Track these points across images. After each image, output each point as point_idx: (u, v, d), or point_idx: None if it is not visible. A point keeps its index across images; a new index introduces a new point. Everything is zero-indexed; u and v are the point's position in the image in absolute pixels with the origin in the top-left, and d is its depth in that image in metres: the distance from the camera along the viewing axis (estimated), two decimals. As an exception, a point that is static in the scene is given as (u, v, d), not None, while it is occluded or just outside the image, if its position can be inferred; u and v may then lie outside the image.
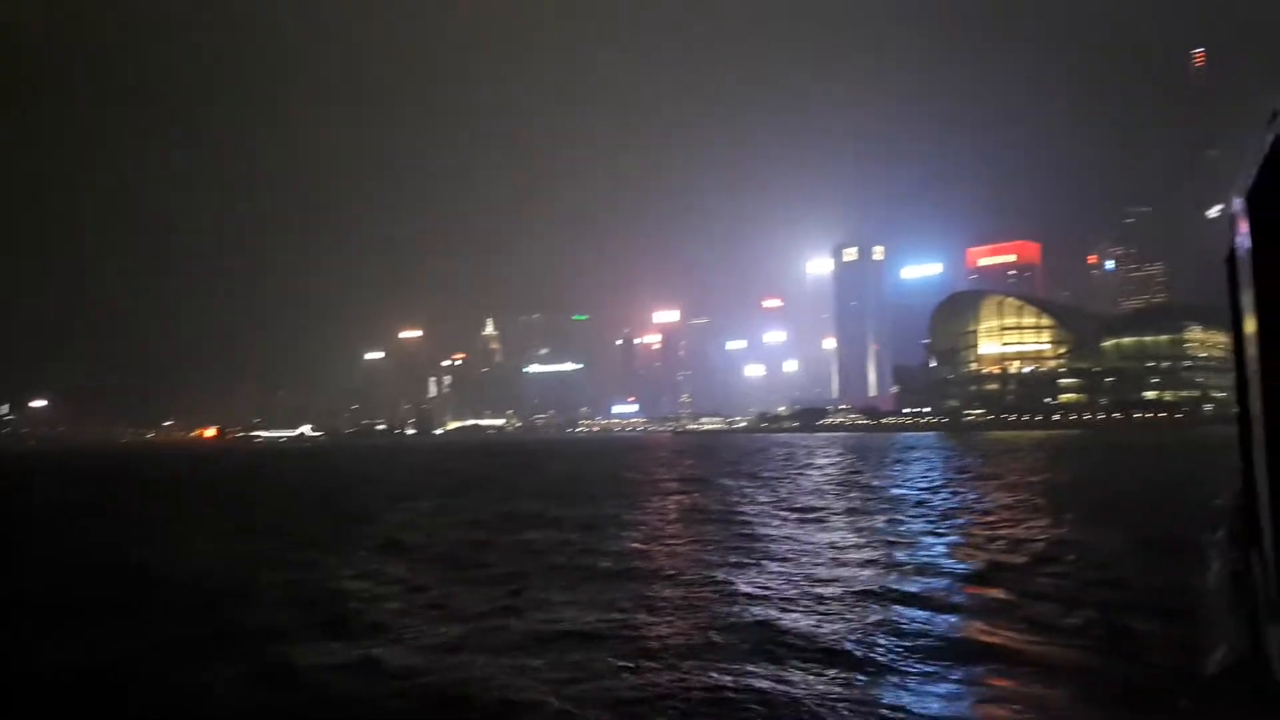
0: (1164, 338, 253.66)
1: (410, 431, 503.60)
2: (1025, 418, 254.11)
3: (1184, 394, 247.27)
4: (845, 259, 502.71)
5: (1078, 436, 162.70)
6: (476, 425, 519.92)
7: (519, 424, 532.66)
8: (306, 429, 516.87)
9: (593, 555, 24.33)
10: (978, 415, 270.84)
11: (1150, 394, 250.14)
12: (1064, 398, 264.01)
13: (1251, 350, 3.66)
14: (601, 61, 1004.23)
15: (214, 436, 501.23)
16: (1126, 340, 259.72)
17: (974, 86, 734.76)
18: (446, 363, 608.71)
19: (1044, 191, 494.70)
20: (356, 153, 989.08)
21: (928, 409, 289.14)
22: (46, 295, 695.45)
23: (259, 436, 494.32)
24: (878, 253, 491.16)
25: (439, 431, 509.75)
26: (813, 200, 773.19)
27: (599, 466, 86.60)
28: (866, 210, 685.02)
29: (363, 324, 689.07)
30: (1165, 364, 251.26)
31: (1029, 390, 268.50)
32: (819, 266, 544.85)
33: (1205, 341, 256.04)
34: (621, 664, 13.33)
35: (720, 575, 20.50)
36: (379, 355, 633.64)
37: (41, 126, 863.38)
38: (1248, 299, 3.73)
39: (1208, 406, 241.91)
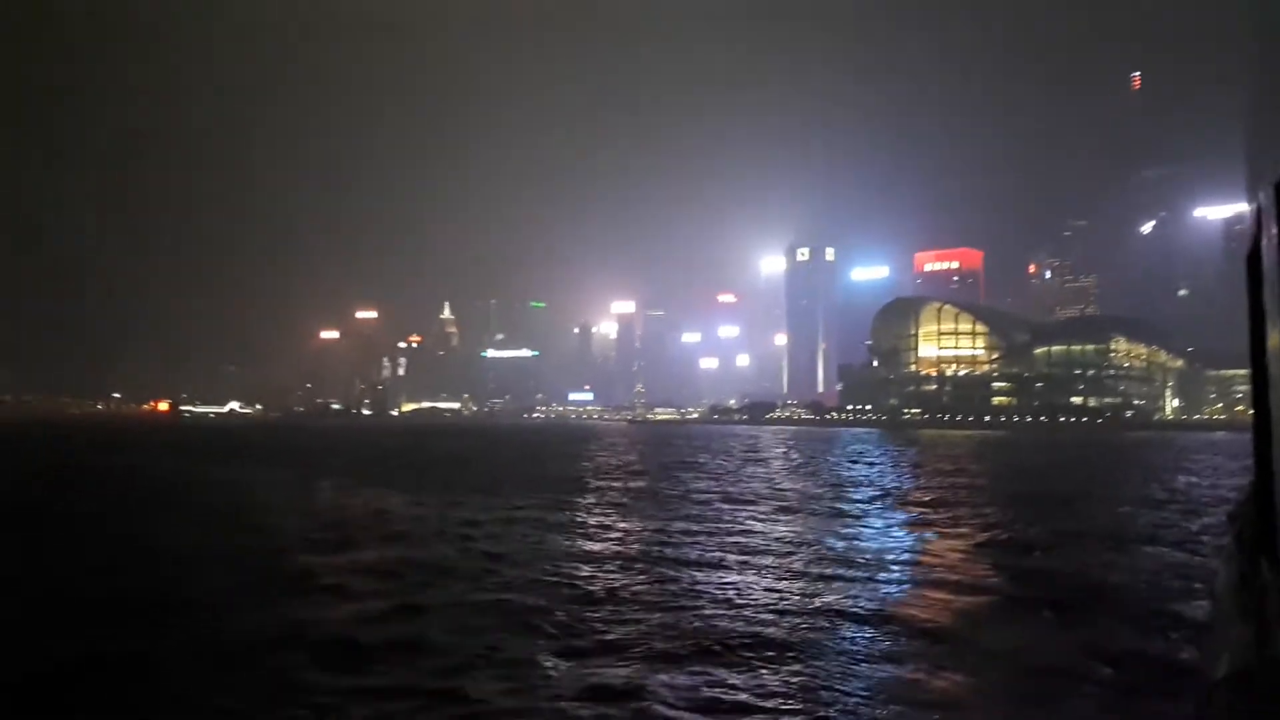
0: (1091, 347, 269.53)
1: (366, 412, 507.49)
2: (959, 418, 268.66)
3: (1107, 400, 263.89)
4: (798, 258, 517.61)
5: (1005, 437, 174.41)
6: (434, 408, 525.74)
7: (475, 408, 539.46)
8: (235, 405, 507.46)
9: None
10: (915, 414, 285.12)
11: (1076, 399, 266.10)
12: (996, 400, 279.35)
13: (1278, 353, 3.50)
14: (565, 55, 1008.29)
15: (167, 411, 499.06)
16: (1056, 348, 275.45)
17: (926, 96, 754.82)
18: (403, 344, 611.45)
19: (990, 200, 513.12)
20: (313, 132, 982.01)
21: (869, 407, 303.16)
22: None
23: (188, 412, 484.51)
24: (829, 254, 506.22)
25: (395, 413, 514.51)
26: (769, 199, 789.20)
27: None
28: (820, 211, 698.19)
29: (318, 303, 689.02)
30: (1091, 372, 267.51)
31: (963, 392, 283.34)
32: (772, 264, 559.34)
33: (1129, 353, 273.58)
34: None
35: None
36: (334, 335, 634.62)
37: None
38: (1274, 298, 3.52)
39: (1128, 413, 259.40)
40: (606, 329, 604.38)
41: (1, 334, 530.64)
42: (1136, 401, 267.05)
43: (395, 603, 18.34)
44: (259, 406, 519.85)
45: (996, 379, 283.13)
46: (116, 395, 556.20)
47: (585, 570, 22.12)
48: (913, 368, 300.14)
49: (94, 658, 14.33)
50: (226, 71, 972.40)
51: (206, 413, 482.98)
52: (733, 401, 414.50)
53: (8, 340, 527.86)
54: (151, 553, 25.04)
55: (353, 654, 14.44)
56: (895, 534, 29.83)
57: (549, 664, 13.97)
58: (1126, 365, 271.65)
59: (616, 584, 20.28)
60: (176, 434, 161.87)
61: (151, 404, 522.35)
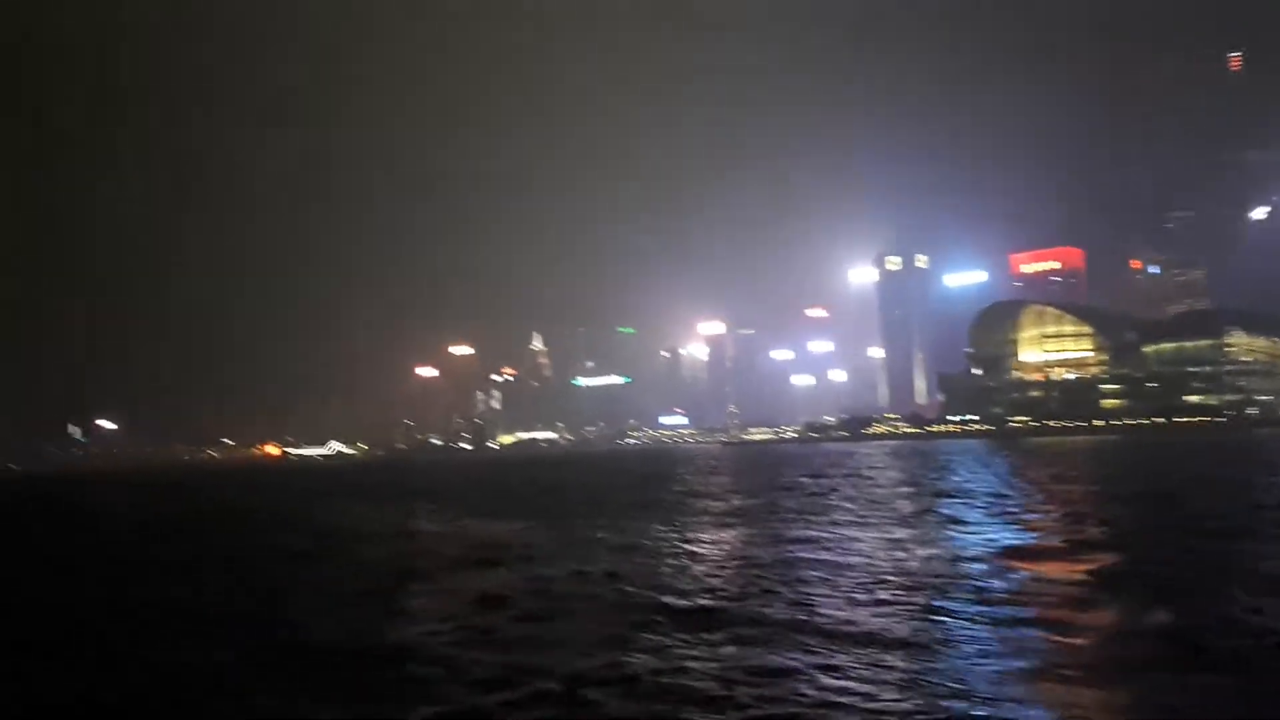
0: (1205, 342, 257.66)
1: (465, 446, 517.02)
2: (1069, 424, 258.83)
3: (1227, 398, 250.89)
4: (889, 267, 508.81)
5: (1118, 441, 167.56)
6: (531, 439, 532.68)
7: (570, 437, 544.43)
8: (339, 445, 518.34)
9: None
10: (1022, 422, 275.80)
11: (1193, 399, 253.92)
12: (1106, 404, 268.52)
13: None
14: (643, 72, 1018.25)
15: (275, 454, 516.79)
16: (1167, 346, 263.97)
17: (1015, 94, 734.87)
18: (496, 377, 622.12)
19: (1086, 196, 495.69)
20: (402, 173, 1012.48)
21: (973, 417, 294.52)
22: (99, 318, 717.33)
23: (294, 454, 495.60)
24: (921, 261, 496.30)
25: (494, 445, 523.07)
26: (854, 209, 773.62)
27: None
28: (909, 218, 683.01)
29: (415, 341, 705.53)
30: (1207, 369, 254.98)
31: (1071, 397, 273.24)
32: (862, 275, 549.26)
33: (1248, 346, 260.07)
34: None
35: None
36: (432, 372, 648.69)
37: (97, 139, 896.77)
38: None
39: (1251, 410, 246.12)
40: (696, 351, 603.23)
41: (114, 385, 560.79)
42: (1260, 397, 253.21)
43: (514, 613, 19.96)
44: (362, 445, 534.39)
45: (1106, 381, 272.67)
46: (227, 441, 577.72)
47: (692, 585, 22.77)
48: (1016, 374, 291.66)
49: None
50: (320, 108, 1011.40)
51: (311, 454, 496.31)
52: (829, 418, 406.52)
53: (121, 391, 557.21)
54: (274, 580, 26.47)
55: (489, 659, 15.60)
56: (999, 540, 29.31)
57: (665, 662, 15.01)
58: (1247, 359, 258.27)
59: (727, 592, 21.45)
60: (288, 476, 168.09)
61: (260, 448, 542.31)
